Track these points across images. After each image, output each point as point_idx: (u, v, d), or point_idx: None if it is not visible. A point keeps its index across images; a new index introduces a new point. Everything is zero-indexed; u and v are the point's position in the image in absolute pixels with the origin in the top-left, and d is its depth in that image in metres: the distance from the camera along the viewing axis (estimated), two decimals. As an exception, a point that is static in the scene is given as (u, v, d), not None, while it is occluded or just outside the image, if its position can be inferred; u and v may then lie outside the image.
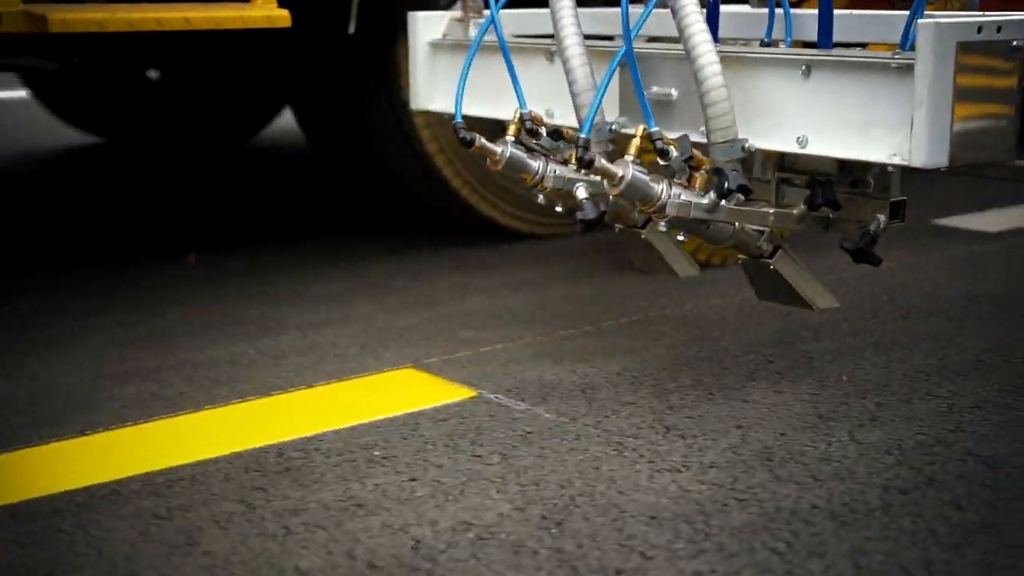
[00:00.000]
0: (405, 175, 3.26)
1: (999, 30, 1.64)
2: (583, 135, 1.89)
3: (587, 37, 2.06)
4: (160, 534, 1.55)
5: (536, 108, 2.09)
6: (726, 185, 1.80)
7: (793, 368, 2.17)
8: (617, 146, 2.00)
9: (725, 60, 1.84)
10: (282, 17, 2.37)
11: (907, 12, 1.70)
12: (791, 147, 1.81)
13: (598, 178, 1.89)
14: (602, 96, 1.90)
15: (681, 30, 1.82)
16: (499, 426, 1.91)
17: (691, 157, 1.84)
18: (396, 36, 2.99)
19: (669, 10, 1.85)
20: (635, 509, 1.60)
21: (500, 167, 2.04)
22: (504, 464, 1.76)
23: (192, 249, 3.10)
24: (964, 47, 1.61)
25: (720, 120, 1.80)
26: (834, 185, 1.91)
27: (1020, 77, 1.67)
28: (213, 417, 1.97)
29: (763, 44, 2.05)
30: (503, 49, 2.05)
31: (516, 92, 2.06)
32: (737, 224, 1.93)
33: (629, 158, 1.83)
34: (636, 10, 1.89)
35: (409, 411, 1.98)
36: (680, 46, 1.86)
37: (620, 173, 1.80)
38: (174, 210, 3.78)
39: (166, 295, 2.70)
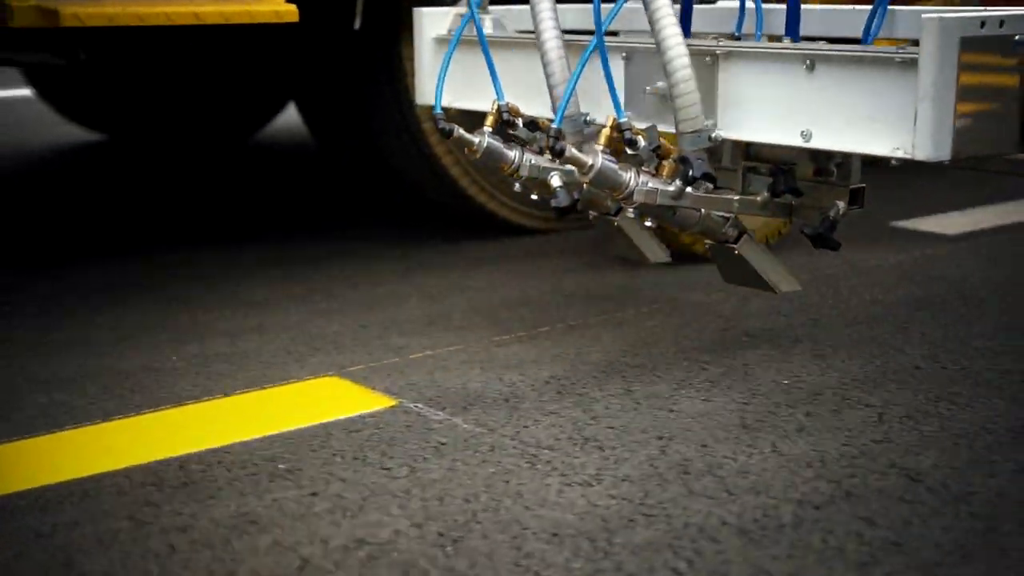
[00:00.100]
0: (410, 172, 3.22)
1: (1002, 25, 1.65)
2: (555, 125, 2.01)
3: (572, 32, 2.17)
4: (37, 554, 1.48)
5: (536, 101, 2.20)
6: (691, 173, 1.88)
7: (727, 375, 2.10)
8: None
9: (730, 55, 1.91)
10: (290, 12, 2.37)
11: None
12: (795, 141, 1.85)
13: (572, 167, 1.97)
14: (573, 87, 2.01)
15: (652, 23, 1.90)
16: (413, 437, 1.85)
17: (659, 147, 1.93)
18: (401, 32, 2.96)
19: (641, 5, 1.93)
20: (538, 526, 1.54)
21: (478, 156, 2.15)
22: (411, 478, 1.70)
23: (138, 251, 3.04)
24: (967, 42, 1.62)
25: (688, 111, 1.88)
26: (795, 173, 1.98)
27: (1022, 71, 1.69)
28: (119, 428, 1.90)
29: (733, 38, 2.12)
30: (482, 43, 2.18)
31: (494, 84, 2.17)
32: (703, 211, 2.01)
33: (598, 147, 1.92)
34: (624, 6, 1.97)
35: (323, 421, 1.91)
36: (689, 42, 1.93)
37: (590, 162, 1.90)
38: (153, 209, 3.71)
39: (102, 299, 2.63)
